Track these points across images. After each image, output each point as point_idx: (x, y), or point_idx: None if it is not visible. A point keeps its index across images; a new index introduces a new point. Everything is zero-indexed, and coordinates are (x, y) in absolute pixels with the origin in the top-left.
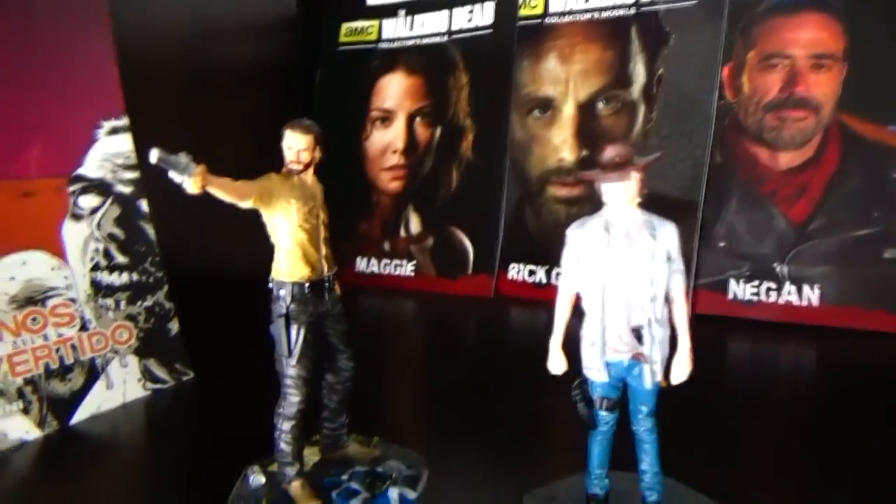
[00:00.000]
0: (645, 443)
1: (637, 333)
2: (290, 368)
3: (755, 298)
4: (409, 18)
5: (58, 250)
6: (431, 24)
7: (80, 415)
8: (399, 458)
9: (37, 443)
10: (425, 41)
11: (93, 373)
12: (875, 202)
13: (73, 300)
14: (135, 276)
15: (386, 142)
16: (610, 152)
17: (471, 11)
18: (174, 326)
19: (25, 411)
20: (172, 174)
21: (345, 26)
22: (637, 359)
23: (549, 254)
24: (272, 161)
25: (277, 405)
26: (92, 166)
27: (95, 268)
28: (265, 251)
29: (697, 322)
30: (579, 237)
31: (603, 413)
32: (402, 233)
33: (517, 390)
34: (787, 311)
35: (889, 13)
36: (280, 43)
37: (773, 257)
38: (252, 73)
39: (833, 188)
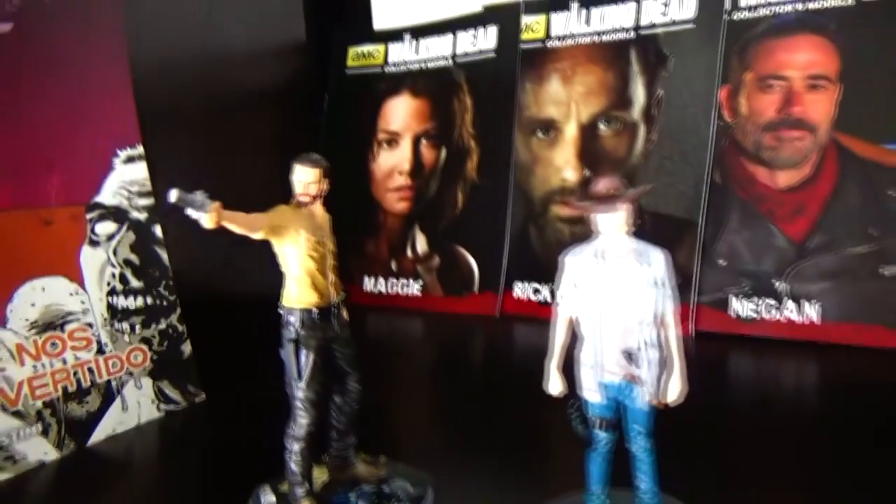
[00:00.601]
0: (642, 462)
1: (630, 356)
2: (300, 391)
3: (756, 315)
4: (414, 43)
5: (76, 276)
6: (436, 49)
7: (97, 436)
8: (405, 477)
9: (55, 464)
10: (430, 65)
11: (109, 395)
12: (872, 220)
13: (90, 324)
14: (149, 300)
15: (392, 163)
16: (602, 185)
17: (475, 36)
18: (187, 349)
19: (44, 433)
20: (189, 211)
21: (352, 51)
22: (631, 380)
23: (553, 272)
24: (282, 184)
25: (287, 426)
26: (108, 194)
27: (111, 292)
28: (274, 275)
29: (698, 339)
30: (575, 264)
31: (600, 433)
32: (409, 253)
33: (522, 409)
34: (787, 327)
35: (881, 35)
36: (289, 68)
37: (773, 274)
38: (262, 99)
39: (831, 206)
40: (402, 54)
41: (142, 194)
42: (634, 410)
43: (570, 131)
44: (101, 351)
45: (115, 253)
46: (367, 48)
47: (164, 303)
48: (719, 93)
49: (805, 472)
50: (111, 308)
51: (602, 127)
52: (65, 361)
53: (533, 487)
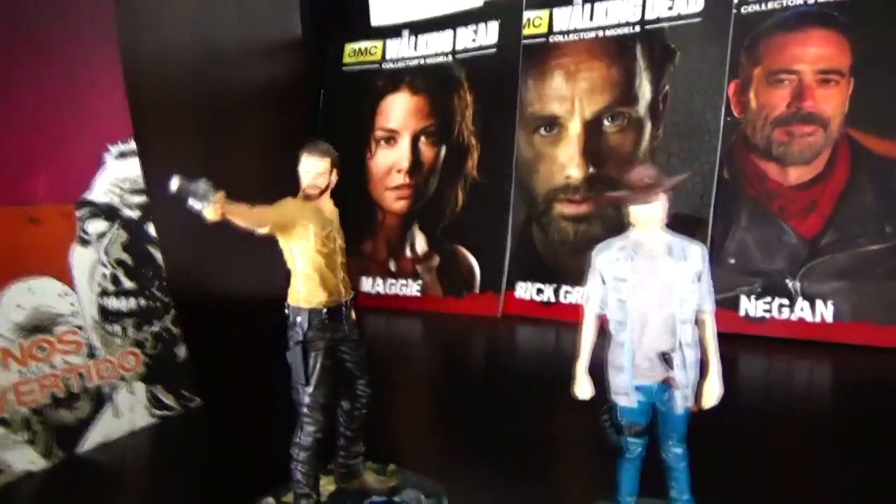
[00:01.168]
0: (675, 470)
1: (666, 358)
2: (307, 396)
3: (767, 315)
4: (412, 38)
5: (65, 277)
6: (435, 44)
7: (88, 444)
8: (417, 487)
9: (43, 474)
10: (429, 61)
11: (100, 401)
12: (886, 217)
13: (80, 327)
14: (142, 302)
15: (391, 161)
16: (638, 173)
17: (475, 31)
18: (182, 352)
19: (31, 441)
20: (191, 202)
21: (349, 47)
22: (667, 383)
23: (556, 272)
24: (279, 181)
25: (294, 434)
26: (100, 191)
27: (103, 293)
28: (273, 275)
29: None
30: (605, 259)
31: (632, 439)
32: (408, 252)
33: (530, 412)
34: (799, 327)
35: (894, 28)
36: (285, 64)
37: (785, 273)
38: (257, 95)
39: (843, 203)
40: (400, 50)
41: (135, 191)
42: (669, 416)
43: (574, 128)
44: (91, 355)
45: (106, 252)
46: (364, 44)
47: (159, 304)
48: (727, 87)
49: (819, 478)
50: (102, 310)
51: (607, 123)
52: (53, 366)
53: (553, 499)
